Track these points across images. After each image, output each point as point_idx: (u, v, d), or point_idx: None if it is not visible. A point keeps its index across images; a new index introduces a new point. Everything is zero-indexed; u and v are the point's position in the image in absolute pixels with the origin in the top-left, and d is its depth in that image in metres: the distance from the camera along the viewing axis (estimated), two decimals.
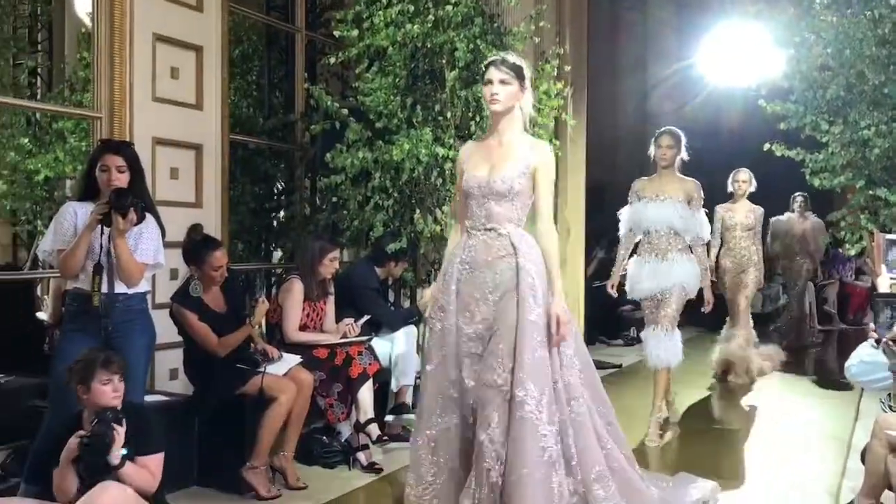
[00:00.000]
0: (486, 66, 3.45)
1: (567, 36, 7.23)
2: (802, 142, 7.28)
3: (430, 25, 5.27)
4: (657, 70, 11.66)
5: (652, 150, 5.32)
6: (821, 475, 4.58)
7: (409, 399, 5.07)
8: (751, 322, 7.52)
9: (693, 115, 10.89)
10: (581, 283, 7.86)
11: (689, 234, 5.19)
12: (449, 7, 5.28)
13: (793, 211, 9.10)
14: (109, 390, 3.17)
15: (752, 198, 7.44)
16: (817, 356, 9.17)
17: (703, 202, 5.28)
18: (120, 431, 3.08)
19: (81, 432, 3.08)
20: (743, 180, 7.34)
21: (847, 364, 4.00)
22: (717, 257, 7.30)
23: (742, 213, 7.35)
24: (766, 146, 7.17)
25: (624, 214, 5.41)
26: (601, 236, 9.38)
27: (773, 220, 8.93)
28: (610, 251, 7.99)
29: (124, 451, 3.09)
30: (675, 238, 5.19)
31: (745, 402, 6.66)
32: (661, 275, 5.14)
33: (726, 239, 7.37)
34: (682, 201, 5.18)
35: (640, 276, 5.24)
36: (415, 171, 5.23)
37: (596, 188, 8.66)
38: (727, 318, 7.48)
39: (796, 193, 8.98)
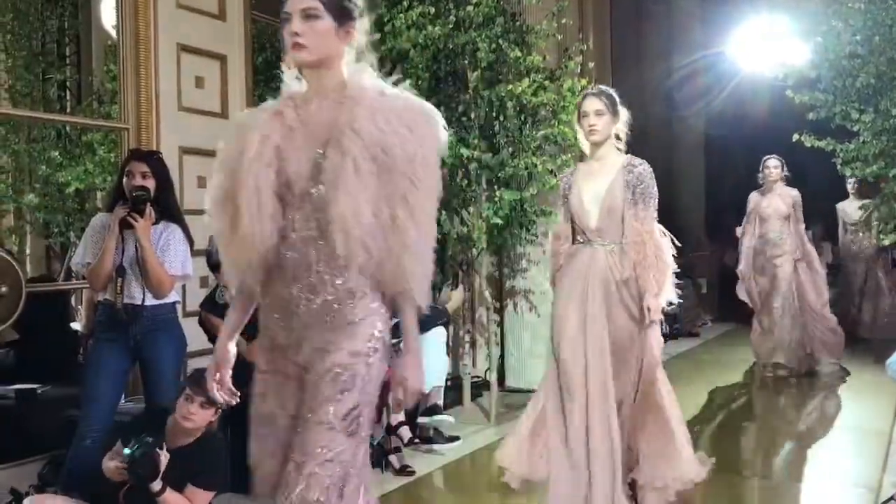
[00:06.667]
0: None
1: (590, 31, 7.14)
2: (833, 131, 7.13)
3: (451, 27, 5.26)
4: (682, 61, 11.51)
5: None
6: (860, 470, 4.50)
7: (439, 400, 5.08)
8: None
9: (720, 107, 10.76)
10: None
11: None
12: (470, 7, 5.27)
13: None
14: (183, 406, 3.08)
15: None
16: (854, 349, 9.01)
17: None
18: (161, 457, 2.99)
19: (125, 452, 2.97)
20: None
21: (889, 361, 3.92)
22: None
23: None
24: (796, 137, 7.04)
25: None
26: None
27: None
28: None
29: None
30: None
31: (782, 396, 6.57)
32: None
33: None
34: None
35: None
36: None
37: None
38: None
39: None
